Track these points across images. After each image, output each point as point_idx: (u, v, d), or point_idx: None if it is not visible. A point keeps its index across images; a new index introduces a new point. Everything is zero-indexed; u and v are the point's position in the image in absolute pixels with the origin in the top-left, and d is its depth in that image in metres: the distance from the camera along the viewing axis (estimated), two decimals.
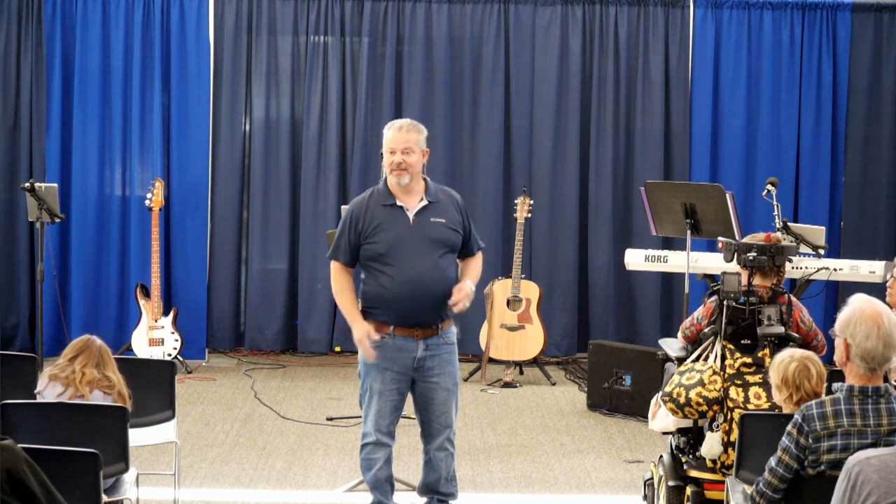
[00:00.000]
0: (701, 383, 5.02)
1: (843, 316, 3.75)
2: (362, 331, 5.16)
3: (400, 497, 5.95)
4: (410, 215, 5.23)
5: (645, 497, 5.60)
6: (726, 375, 5.05)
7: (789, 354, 4.46)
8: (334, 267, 5.29)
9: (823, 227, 7.76)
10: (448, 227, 5.26)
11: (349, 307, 5.25)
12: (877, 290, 6.34)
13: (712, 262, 7.71)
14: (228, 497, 6.03)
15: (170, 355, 8.62)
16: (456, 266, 5.35)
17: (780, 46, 9.35)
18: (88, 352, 4.86)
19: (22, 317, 9.27)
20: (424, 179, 5.33)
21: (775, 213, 7.57)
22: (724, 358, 5.09)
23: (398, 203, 5.25)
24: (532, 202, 8.88)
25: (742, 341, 5.11)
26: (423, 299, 5.16)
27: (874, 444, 3.69)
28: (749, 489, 4.12)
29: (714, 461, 5.00)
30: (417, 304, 5.16)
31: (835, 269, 7.64)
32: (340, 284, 5.27)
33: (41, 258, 8.09)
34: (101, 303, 9.22)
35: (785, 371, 4.39)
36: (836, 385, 3.84)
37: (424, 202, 5.26)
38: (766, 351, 5.06)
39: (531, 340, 8.69)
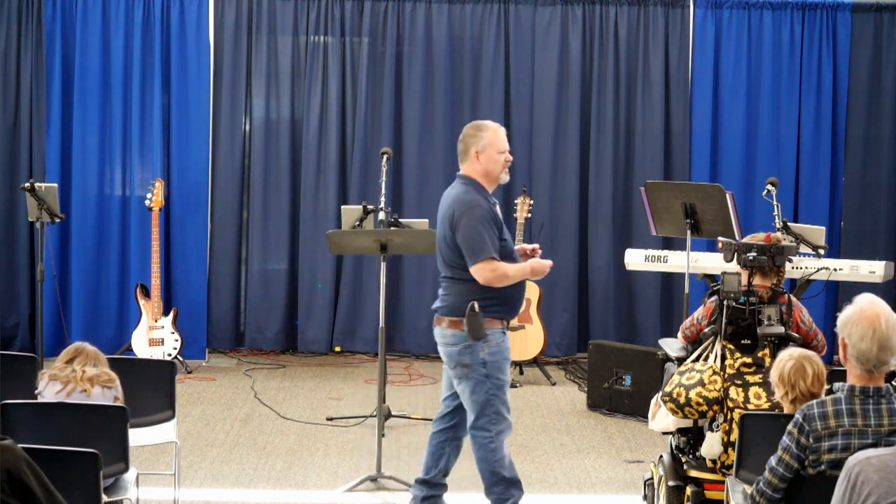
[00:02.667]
0: (701, 383, 5.02)
1: (843, 315, 3.74)
2: (545, 262, 5.35)
3: (400, 497, 5.95)
4: (499, 216, 5.37)
5: (645, 497, 5.60)
6: (726, 375, 5.05)
7: (789, 353, 4.46)
8: (493, 262, 5.20)
9: (823, 227, 7.76)
10: (498, 236, 5.35)
11: (519, 269, 5.30)
12: (877, 290, 6.33)
13: (712, 262, 7.72)
14: (228, 497, 6.03)
15: (170, 355, 8.62)
16: None
17: (780, 46, 9.35)
18: (84, 354, 4.89)
19: (22, 317, 9.27)
20: None
21: (775, 213, 7.57)
22: (724, 358, 5.09)
23: (493, 200, 5.38)
24: (532, 202, 8.87)
25: (742, 341, 5.11)
26: (524, 294, 5.52)
27: (875, 444, 3.69)
28: (749, 489, 4.12)
29: (714, 461, 5.00)
30: (523, 299, 5.50)
31: (835, 269, 7.64)
32: (505, 267, 5.24)
33: (41, 258, 8.09)
34: (101, 303, 9.22)
35: (782, 369, 4.40)
36: (836, 385, 3.84)
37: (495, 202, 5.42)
38: (766, 351, 5.06)
39: (531, 340, 8.69)
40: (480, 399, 5.25)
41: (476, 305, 5.15)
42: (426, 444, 5.61)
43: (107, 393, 4.80)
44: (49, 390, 4.79)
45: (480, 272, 5.17)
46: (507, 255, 5.28)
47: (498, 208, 5.36)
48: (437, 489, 5.57)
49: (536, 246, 5.48)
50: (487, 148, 5.33)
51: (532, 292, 8.69)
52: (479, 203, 5.25)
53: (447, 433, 5.52)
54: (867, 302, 3.74)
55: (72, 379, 4.78)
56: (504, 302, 5.30)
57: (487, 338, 5.22)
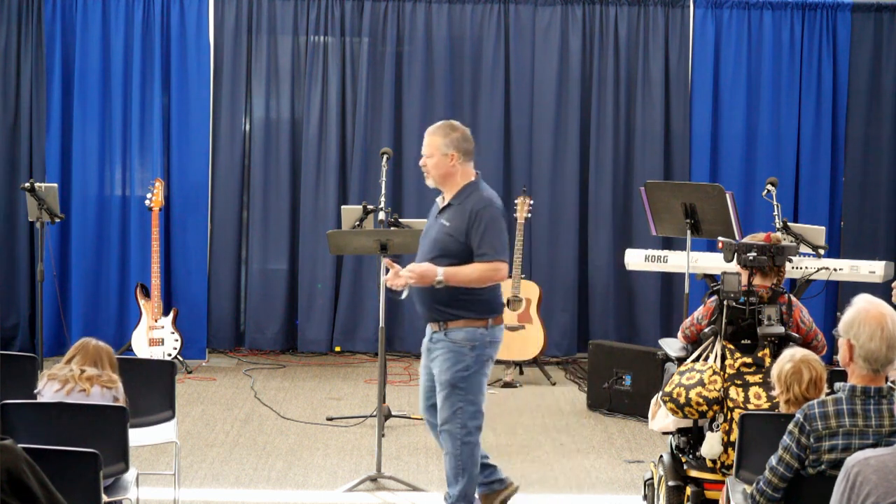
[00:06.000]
0: (701, 383, 5.02)
1: (847, 316, 3.75)
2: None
3: (400, 497, 5.95)
4: (433, 214, 5.45)
5: (645, 497, 5.60)
6: (726, 375, 5.05)
7: (790, 354, 4.46)
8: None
9: (823, 227, 7.76)
10: (447, 233, 5.31)
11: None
12: (877, 290, 6.33)
13: (712, 262, 7.72)
14: (228, 497, 6.03)
15: (170, 355, 8.62)
16: None
17: (780, 46, 9.35)
18: (84, 351, 4.88)
19: (22, 317, 9.26)
20: (470, 183, 5.39)
21: (775, 213, 7.57)
22: (724, 358, 5.09)
23: (438, 200, 5.47)
24: (532, 202, 8.87)
25: (742, 341, 5.11)
26: (416, 296, 5.37)
27: (875, 445, 3.69)
28: (749, 489, 4.12)
29: (714, 461, 5.00)
30: (416, 299, 5.39)
31: (835, 269, 7.64)
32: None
33: (41, 258, 8.09)
34: (101, 303, 9.22)
35: (780, 370, 4.42)
36: (837, 385, 3.85)
37: (446, 203, 5.39)
38: (766, 351, 5.06)
39: (531, 340, 8.69)
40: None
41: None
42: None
43: (106, 393, 4.80)
44: (48, 389, 4.79)
45: None
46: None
47: (434, 208, 5.48)
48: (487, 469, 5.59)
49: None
50: None
51: (532, 292, 8.70)
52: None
53: None
54: (869, 302, 3.75)
55: (70, 378, 4.78)
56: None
57: None
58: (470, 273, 5.25)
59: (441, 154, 5.35)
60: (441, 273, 5.20)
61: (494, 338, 5.37)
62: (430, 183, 5.47)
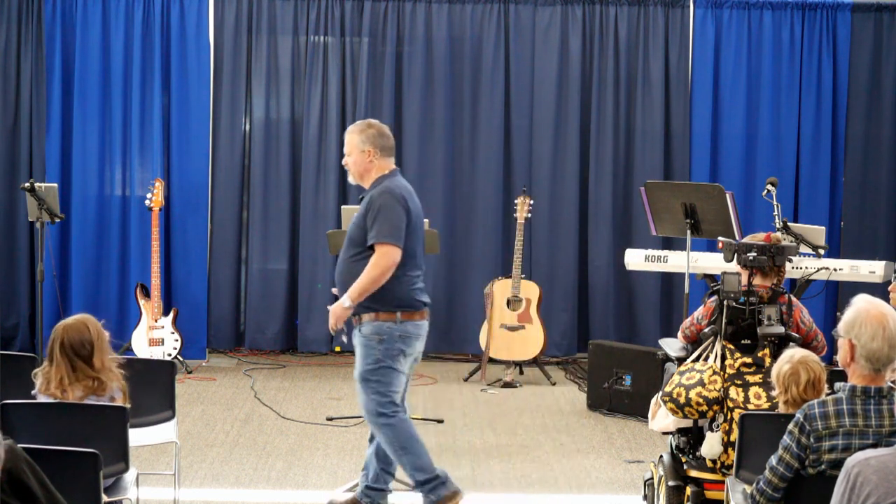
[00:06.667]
0: (701, 383, 5.02)
1: (847, 317, 3.75)
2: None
3: (400, 497, 5.95)
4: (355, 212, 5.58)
5: (645, 497, 5.59)
6: (726, 375, 5.05)
7: (789, 355, 4.46)
8: None
9: (823, 227, 7.75)
10: (354, 223, 5.46)
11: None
12: (877, 290, 6.34)
13: (712, 262, 7.71)
14: (228, 497, 6.03)
15: (170, 355, 8.62)
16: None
17: (780, 46, 9.35)
18: (60, 355, 4.65)
19: (22, 317, 9.27)
20: (382, 175, 5.47)
21: (775, 213, 7.57)
22: (724, 358, 5.09)
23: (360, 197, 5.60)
24: (532, 202, 8.87)
25: (742, 341, 5.11)
26: (338, 293, 5.48)
27: (875, 445, 3.69)
28: (749, 489, 4.12)
29: (714, 461, 5.00)
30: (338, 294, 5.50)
31: (835, 269, 7.64)
32: None
33: (41, 258, 8.09)
34: (101, 303, 9.21)
35: (779, 371, 4.42)
36: (838, 385, 3.85)
37: (360, 196, 5.56)
38: (766, 351, 5.06)
39: (531, 340, 8.69)
40: None
41: None
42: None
43: (101, 399, 4.71)
44: (42, 398, 4.73)
45: None
46: None
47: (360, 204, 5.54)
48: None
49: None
50: None
51: (532, 292, 8.69)
52: None
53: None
54: (869, 302, 3.75)
55: (62, 397, 4.66)
56: None
57: None
58: (366, 275, 5.34)
59: (359, 151, 5.48)
60: (347, 300, 5.35)
61: (406, 332, 5.43)
62: (351, 180, 5.61)
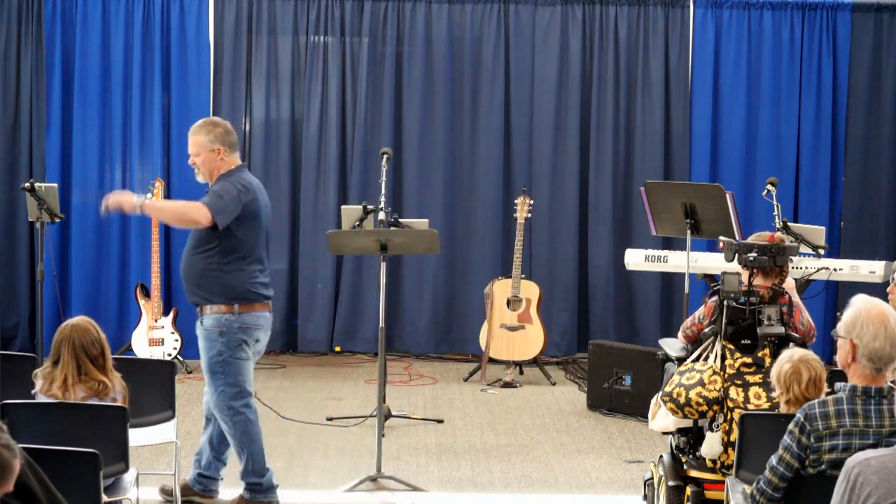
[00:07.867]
0: (701, 383, 5.02)
1: (847, 317, 3.75)
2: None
3: (400, 497, 5.95)
4: None
5: (645, 497, 5.60)
6: (726, 375, 5.05)
7: (789, 355, 4.46)
8: None
9: (823, 227, 7.76)
10: None
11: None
12: (877, 290, 6.34)
13: (712, 262, 7.71)
14: (228, 497, 6.02)
15: (170, 355, 8.61)
16: (214, 257, 5.55)
17: (780, 46, 9.34)
18: (67, 355, 4.70)
19: (22, 317, 9.27)
20: (229, 170, 5.65)
21: (775, 213, 7.57)
22: (724, 358, 5.09)
23: None
24: (532, 202, 8.87)
25: (742, 341, 5.11)
26: (185, 288, 5.67)
27: (875, 445, 3.69)
28: (749, 489, 4.12)
29: (714, 461, 5.00)
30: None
31: (835, 269, 7.64)
32: None
33: (41, 258, 8.07)
34: (101, 303, 9.21)
35: (779, 371, 4.42)
36: (838, 385, 3.85)
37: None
38: (767, 351, 5.06)
39: (531, 340, 8.69)
40: None
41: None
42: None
43: (104, 401, 4.73)
44: (42, 398, 4.74)
45: None
46: None
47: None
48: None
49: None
50: None
51: (532, 292, 8.69)
52: None
53: None
54: (869, 302, 3.75)
55: (65, 397, 4.67)
56: None
57: None
58: (174, 205, 5.68)
59: (208, 150, 5.62)
60: (141, 201, 5.55)
61: (245, 323, 5.57)
62: (200, 179, 5.73)
